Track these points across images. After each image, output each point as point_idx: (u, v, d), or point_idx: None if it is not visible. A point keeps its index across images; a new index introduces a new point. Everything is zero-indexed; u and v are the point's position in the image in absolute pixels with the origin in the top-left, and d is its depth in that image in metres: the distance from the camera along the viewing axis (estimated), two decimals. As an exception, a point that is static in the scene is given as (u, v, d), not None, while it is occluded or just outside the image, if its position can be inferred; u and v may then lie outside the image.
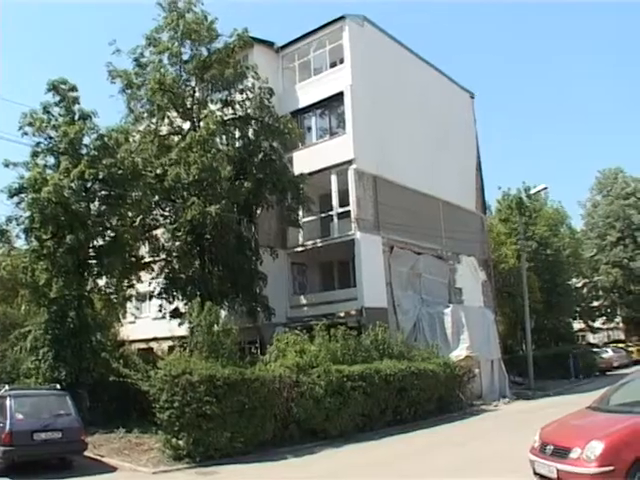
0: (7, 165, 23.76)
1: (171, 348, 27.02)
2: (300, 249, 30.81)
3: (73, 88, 24.66)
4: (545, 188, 42.11)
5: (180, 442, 16.97)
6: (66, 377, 21.76)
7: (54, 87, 24.43)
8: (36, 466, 15.66)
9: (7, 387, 18.12)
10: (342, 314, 27.72)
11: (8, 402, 16.11)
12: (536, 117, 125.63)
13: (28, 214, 23.21)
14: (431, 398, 24.06)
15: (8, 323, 28.12)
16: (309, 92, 31.32)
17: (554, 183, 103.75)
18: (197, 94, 28.00)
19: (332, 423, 19.91)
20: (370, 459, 16.85)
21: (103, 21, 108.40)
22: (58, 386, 19.34)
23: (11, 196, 23.61)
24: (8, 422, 15.54)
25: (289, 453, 17.92)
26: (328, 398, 19.78)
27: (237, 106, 27.97)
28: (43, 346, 22.87)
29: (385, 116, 30.79)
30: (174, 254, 27.51)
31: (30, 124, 24.07)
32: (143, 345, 33.94)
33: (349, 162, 29.09)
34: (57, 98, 24.61)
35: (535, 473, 10.71)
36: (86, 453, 16.99)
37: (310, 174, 28.87)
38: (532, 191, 44.48)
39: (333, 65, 31.33)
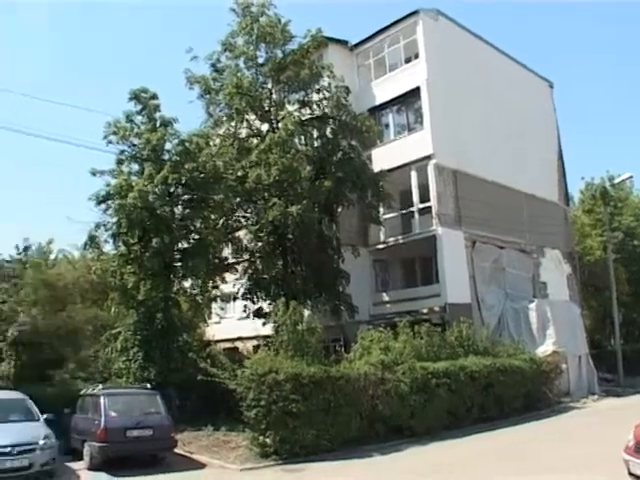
0: (94, 174, 24.70)
1: (256, 347, 27.32)
2: (381, 246, 30.83)
3: (154, 96, 25.34)
4: (631, 177, 40.80)
5: (267, 440, 17.14)
6: (155, 377, 22.35)
7: (136, 96, 25.18)
8: (129, 462, 16.10)
9: (100, 386, 18.79)
10: (425, 310, 27.60)
11: (102, 400, 16.72)
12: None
13: (115, 220, 24.00)
14: (517, 395, 23.70)
15: (99, 325, 28.92)
16: (385, 89, 31.26)
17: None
18: (274, 96, 28.28)
19: (418, 420, 19.79)
20: (457, 457, 16.67)
21: (176, 29, 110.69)
22: (148, 385, 19.90)
23: (99, 203, 24.49)
24: (103, 419, 16.13)
25: (375, 450, 17.88)
26: (413, 395, 19.69)
27: (314, 106, 28.15)
28: (133, 347, 23.65)
29: (463, 109, 30.46)
30: (257, 255, 27.90)
31: (114, 133, 24.84)
32: (228, 345, 34.40)
33: (428, 157, 28.94)
34: (139, 107, 25.33)
35: (630, 473, 10.39)
36: (176, 450, 17.43)
37: (389, 171, 28.83)
38: (617, 180, 43.22)
39: (408, 60, 31.16)
